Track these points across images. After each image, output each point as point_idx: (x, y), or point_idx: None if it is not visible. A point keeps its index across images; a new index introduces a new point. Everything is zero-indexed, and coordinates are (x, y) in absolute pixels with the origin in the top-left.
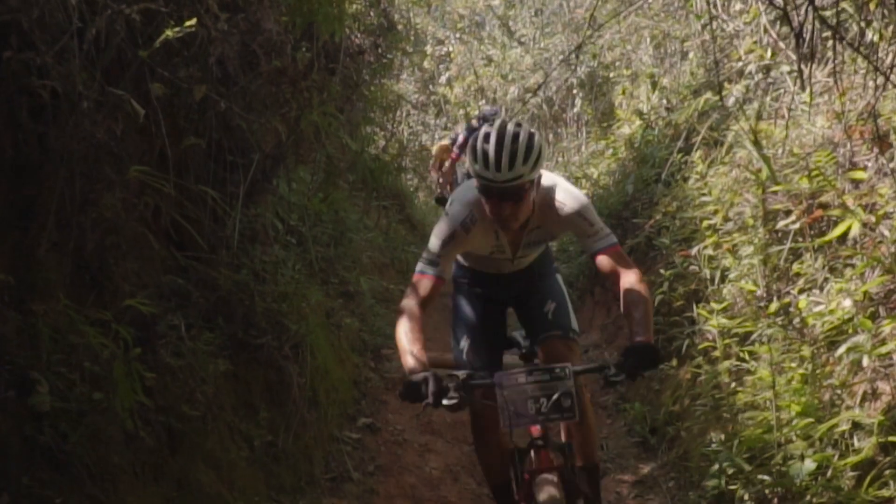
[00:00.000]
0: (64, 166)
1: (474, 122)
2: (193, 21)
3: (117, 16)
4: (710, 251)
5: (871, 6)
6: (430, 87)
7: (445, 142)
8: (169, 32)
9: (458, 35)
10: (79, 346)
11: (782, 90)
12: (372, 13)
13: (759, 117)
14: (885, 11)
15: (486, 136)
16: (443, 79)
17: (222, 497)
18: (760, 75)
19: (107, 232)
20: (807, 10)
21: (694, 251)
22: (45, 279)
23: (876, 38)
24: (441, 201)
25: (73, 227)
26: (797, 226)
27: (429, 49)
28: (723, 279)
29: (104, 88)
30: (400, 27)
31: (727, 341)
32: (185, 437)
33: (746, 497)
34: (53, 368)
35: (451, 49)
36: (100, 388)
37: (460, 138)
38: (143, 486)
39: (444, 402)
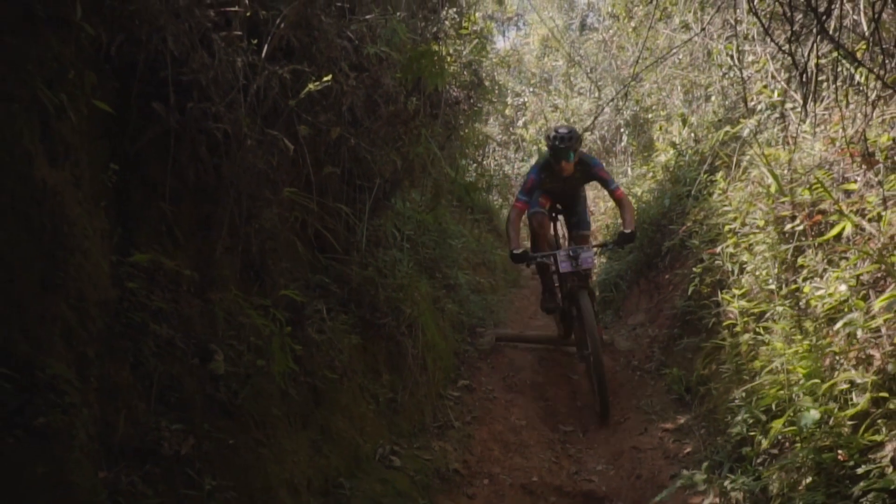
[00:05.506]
0: (233, 189)
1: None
2: (329, 78)
3: (273, 75)
4: (731, 249)
5: (859, 54)
6: (511, 128)
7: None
8: (311, 86)
9: (531, 89)
10: (245, 325)
11: (787, 122)
12: (466, 72)
13: (768, 144)
14: (871, 56)
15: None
16: (520, 122)
17: (355, 440)
18: (769, 111)
19: (266, 239)
20: (807, 57)
21: (718, 249)
22: (220, 274)
23: (863, 79)
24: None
25: (240, 235)
26: (801, 228)
27: (509, 100)
28: (741, 271)
29: (263, 130)
30: (487, 83)
31: (746, 319)
32: (326, 395)
33: (763, 441)
34: (227, 342)
35: (526, 99)
36: (261, 356)
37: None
38: (295, 431)
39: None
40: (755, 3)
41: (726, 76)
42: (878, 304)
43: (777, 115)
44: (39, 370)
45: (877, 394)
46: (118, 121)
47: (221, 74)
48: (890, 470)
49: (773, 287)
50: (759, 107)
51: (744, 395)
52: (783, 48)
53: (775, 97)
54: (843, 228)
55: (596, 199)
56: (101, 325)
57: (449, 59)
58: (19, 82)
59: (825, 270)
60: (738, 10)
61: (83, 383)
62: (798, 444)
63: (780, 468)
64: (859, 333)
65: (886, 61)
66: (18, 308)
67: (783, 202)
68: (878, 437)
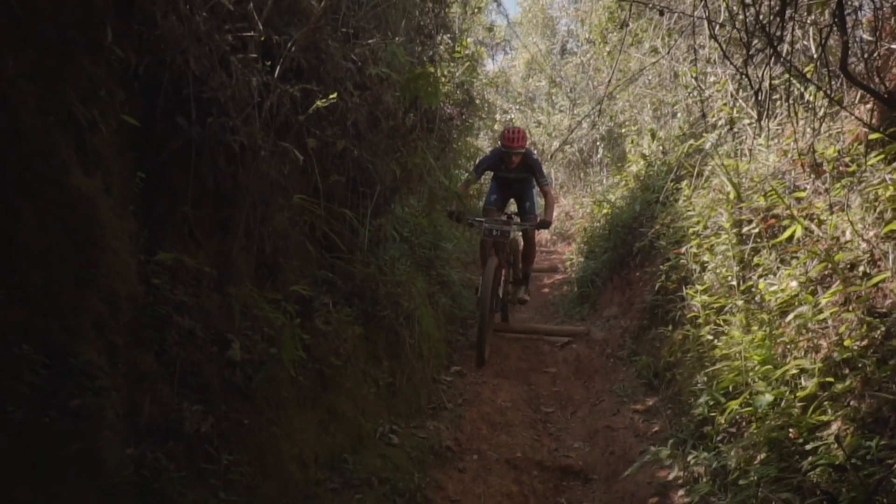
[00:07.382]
0: (249, 195)
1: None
2: (335, 96)
3: (284, 93)
4: (694, 249)
5: (808, 74)
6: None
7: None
8: (319, 103)
9: (517, 106)
10: (259, 317)
11: (744, 136)
12: (458, 91)
13: (728, 156)
14: (819, 77)
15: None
16: None
17: (357, 420)
18: (728, 126)
19: (278, 240)
20: (762, 78)
21: (683, 250)
22: (237, 272)
23: (812, 97)
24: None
25: (255, 236)
26: (757, 230)
27: (497, 116)
28: (704, 269)
29: (276, 142)
30: (478, 101)
31: (707, 312)
32: (332, 379)
33: (723, 421)
34: (242, 332)
35: (512, 116)
36: (274, 345)
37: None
38: (303, 412)
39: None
40: (716, 29)
41: (690, 95)
42: (824, 298)
43: (735, 129)
44: (73, 357)
45: (823, 378)
46: (145, 134)
47: (238, 92)
48: (835, 446)
49: (731, 283)
50: (719, 122)
51: (705, 379)
52: (740, 70)
53: (734, 114)
54: (794, 231)
55: (575, 204)
56: (129, 316)
57: (443, 79)
58: (56, 99)
59: (778, 268)
60: (700, 36)
61: (113, 369)
62: (753, 424)
63: (737, 445)
64: (808, 325)
65: (832, 81)
66: (54, 301)
67: (741, 207)
68: (824, 418)
